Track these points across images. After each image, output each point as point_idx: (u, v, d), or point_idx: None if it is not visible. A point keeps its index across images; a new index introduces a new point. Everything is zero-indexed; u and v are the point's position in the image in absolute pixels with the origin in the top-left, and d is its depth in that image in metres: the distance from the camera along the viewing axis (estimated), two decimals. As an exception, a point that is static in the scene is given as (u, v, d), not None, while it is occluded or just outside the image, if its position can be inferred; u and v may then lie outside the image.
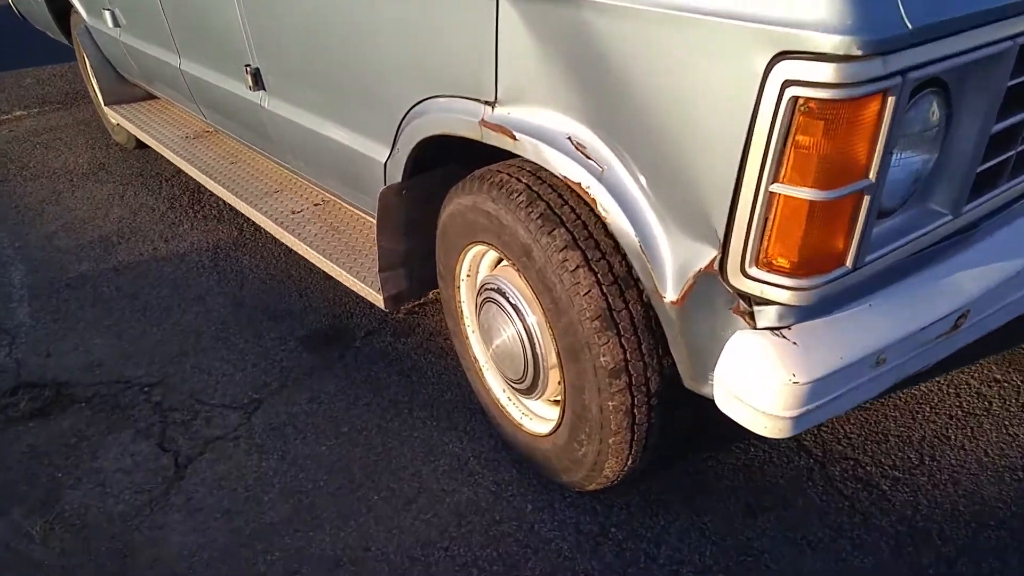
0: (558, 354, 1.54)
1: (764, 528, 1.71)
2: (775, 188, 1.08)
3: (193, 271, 2.95)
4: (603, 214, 1.32)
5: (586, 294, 1.41)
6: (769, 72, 1.01)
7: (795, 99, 1.00)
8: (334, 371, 2.31)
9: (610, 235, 1.44)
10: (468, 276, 1.86)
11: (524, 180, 1.53)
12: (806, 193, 1.06)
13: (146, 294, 2.84)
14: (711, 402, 1.36)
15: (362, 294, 2.12)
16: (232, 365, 2.39)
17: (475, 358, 1.94)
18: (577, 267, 1.42)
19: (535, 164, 1.56)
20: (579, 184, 1.33)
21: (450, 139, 1.65)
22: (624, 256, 1.43)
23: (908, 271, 1.33)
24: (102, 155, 4.27)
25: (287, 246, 2.48)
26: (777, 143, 1.04)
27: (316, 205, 2.59)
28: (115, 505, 1.92)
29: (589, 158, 1.32)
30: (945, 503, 1.75)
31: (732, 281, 1.19)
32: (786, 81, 0.99)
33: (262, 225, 2.59)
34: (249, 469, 1.98)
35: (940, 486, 1.79)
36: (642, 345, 1.43)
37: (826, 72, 0.96)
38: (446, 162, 1.87)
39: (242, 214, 3.28)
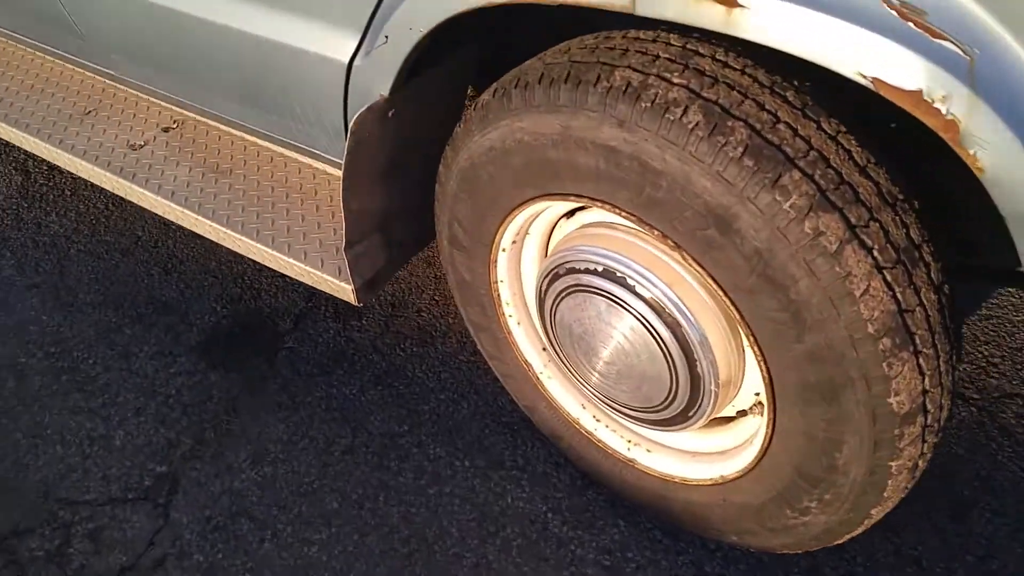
0: (769, 383, 0.89)
1: (987, 535, 1.24)
2: None
3: (-27, 254, 1.86)
4: (973, 151, 0.64)
5: (864, 293, 0.76)
6: None
7: None
8: (271, 397, 1.48)
9: (867, 175, 0.78)
10: (514, 243, 1.12)
11: (678, 80, 0.79)
12: None
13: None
14: None
15: (312, 283, 1.29)
16: (100, 419, 1.46)
17: (526, 363, 1.24)
18: (841, 244, 0.75)
19: (673, 47, 0.83)
20: (918, 93, 0.63)
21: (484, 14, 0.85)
22: (899, 214, 0.78)
23: None
24: None
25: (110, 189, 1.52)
26: None
27: (167, 131, 1.62)
28: None
29: (938, 36, 0.61)
30: None
31: None
32: None
33: (78, 173, 1.60)
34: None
35: None
36: (940, 360, 0.82)
37: None
38: (444, 52, 1.05)
39: (21, 149, 2.15)
